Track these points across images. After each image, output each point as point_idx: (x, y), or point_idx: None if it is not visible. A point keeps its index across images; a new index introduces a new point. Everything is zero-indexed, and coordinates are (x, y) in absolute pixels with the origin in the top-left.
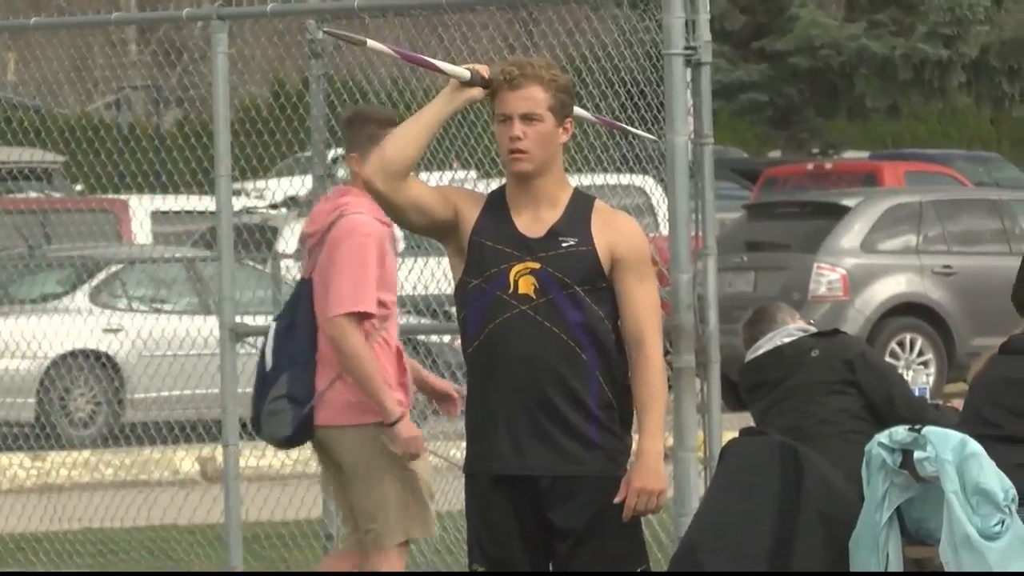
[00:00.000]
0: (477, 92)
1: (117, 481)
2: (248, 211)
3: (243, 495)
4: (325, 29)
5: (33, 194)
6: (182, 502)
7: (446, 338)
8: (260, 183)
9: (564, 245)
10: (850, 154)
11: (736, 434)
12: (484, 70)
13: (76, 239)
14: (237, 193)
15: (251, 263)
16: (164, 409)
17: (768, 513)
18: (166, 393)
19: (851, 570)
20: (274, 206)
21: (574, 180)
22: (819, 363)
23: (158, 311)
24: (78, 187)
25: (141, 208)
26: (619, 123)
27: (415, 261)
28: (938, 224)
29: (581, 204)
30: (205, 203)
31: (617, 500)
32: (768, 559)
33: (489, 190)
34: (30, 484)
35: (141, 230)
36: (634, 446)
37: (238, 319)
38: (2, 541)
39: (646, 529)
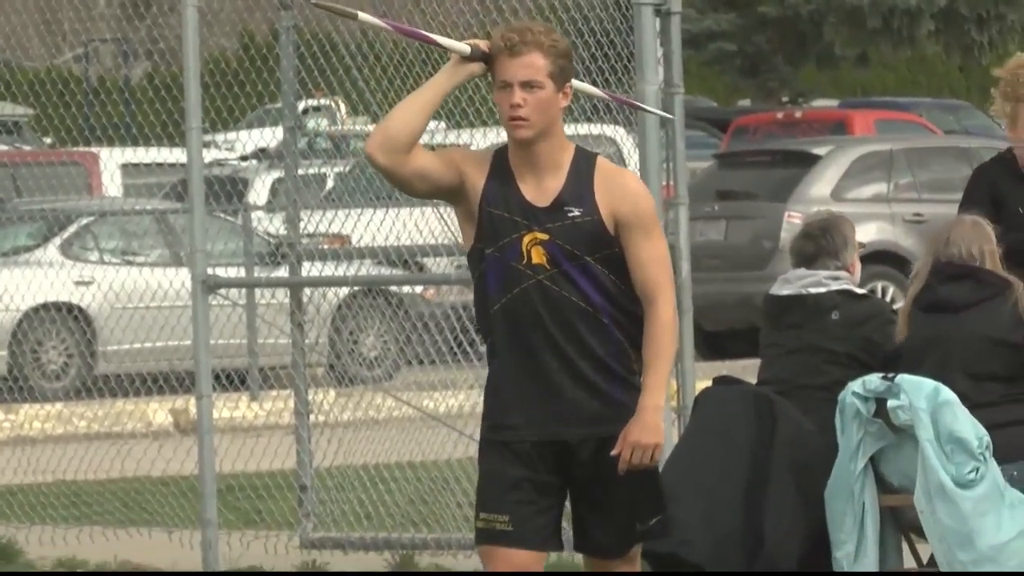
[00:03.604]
0: (477, 67)
1: (90, 433)
2: (219, 163)
3: (216, 446)
4: (315, 1)
5: (2, 147)
6: (155, 454)
7: (418, 289)
8: (230, 135)
9: (570, 216)
10: (819, 102)
11: (709, 383)
12: (484, 44)
13: (46, 192)
14: (207, 145)
15: (222, 215)
16: (136, 361)
17: (741, 462)
18: (138, 345)
19: (827, 519)
20: (244, 158)
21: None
22: (836, 327)
23: (129, 263)
24: (47, 140)
25: (111, 161)
26: (630, 99)
27: (386, 212)
28: (908, 172)
29: (584, 167)
30: (176, 155)
31: (613, 453)
32: (741, 508)
33: (491, 146)
34: (3, 437)
35: (112, 183)
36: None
37: (210, 271)
38: None
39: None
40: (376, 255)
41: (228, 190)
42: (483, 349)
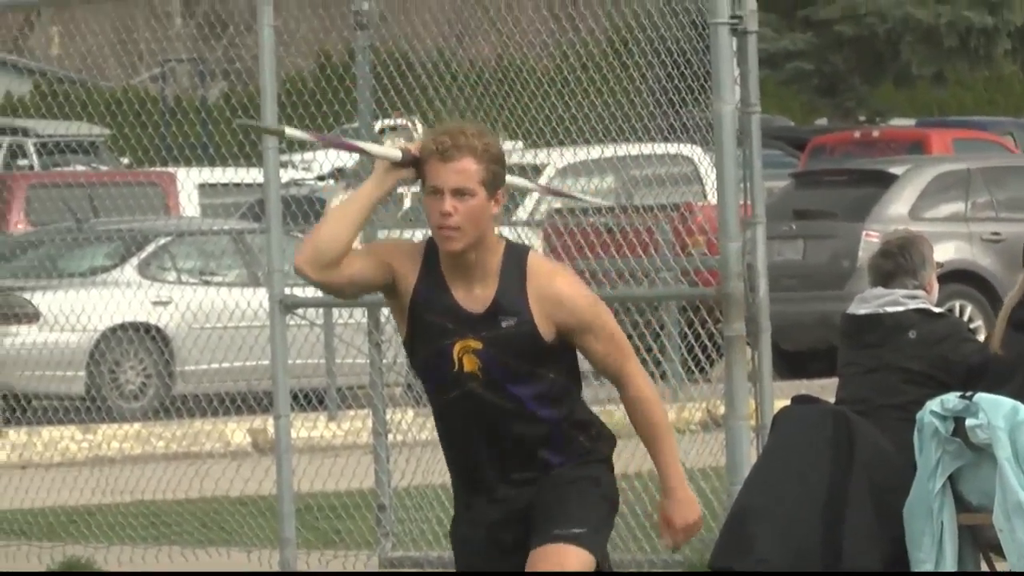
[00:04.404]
0: (408, 172)
1: (168, 453)
2: (296, 183)
3: (295, 466)
4: (238, 122)
5: (80, 167)
6: (234, 474)
7: None
8: (307, 155)
9: (504, 325)
10: (896, 122)
11: (788, 402)
12: (414, 147)
13: (123, 212)
14: (284, 165)
15: (299, 235)
16: (215, 381)
17: (820, 481)
18: (216, 365)
19: (906, 538)
20: (321, 178)
21: (622, 150)
22: (913, 347)
23: (207, 283)
24: (125, 160)
25: (189, 181)
26: (563, 191)
27: None
28: (986, 191)
29: (515, 271)
30: (253, 175)
31: (667, 546)
32: (819, 526)
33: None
34: (81, 457)
35: (189, 203)
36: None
37: (287, 291)
38: (54, 514)
39: (698, 497)
40: None
41: (305, 210)
42: None
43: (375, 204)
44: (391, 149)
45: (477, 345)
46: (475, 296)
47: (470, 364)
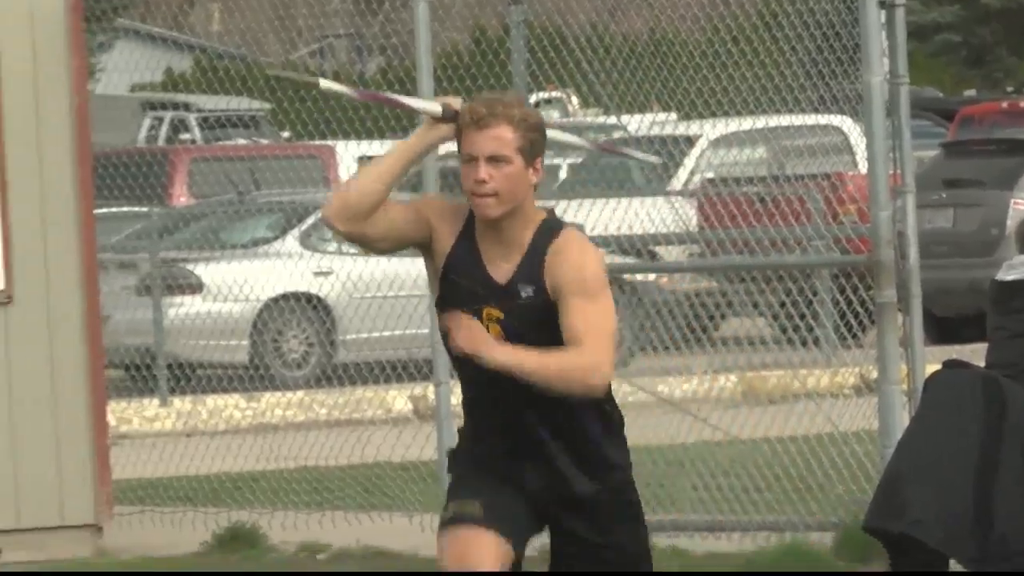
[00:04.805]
0: (450, 129)
1: (331, 420)
2: (452, 155)
3: (455, 432)
4: (272, 72)
5: (241, 141)
6: (395, 440)
7: (651, 276)
8: None
9: (523, 296)
10: None
11: (939, 367)
12: (455, 102)
13: (284, 184)
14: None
15: None
16: (375, 349)
17: (971, 445)
18: (376, 334)
19: None
20: None
21: (774, 121)
22: None
23: (367, 254)
24: (285, 134)
25: (347, 153)
26: (616, 148)
27: (619, 201)
28: None
29: (541, 244)
30: None
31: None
32: (972, 491)
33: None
34: (245, 424)
35: (348, 174)
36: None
37: None
38: (219, 480)
39: (851, 460)
40: (610, 244)
41: (462, 181)
42: (716, 335)
43: (414, 159)
44: (432, 104)
45: (499, 314)
46: (503, 266)
47: (494, 332)
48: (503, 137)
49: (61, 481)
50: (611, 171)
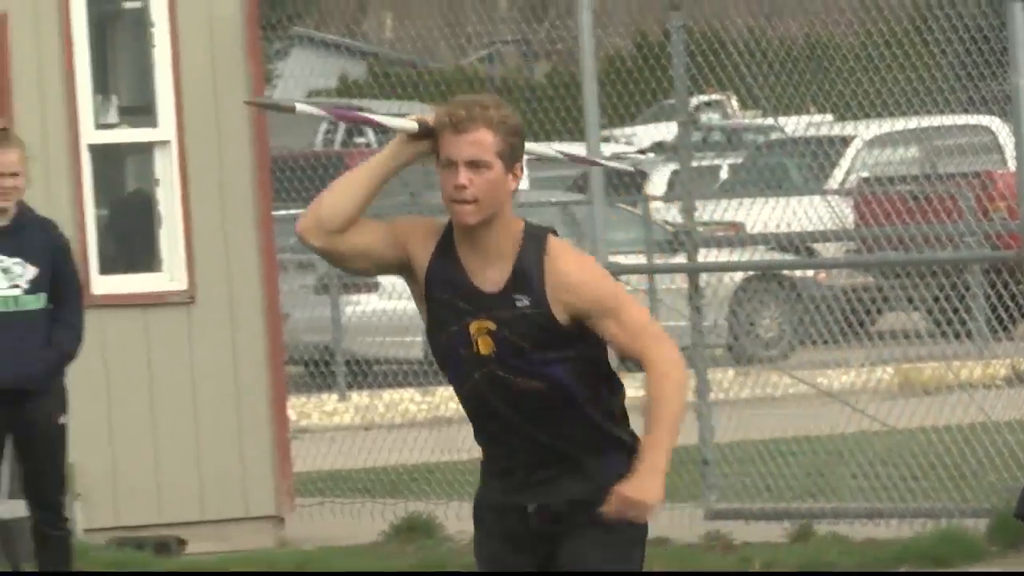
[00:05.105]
0: (426, 145)
1: None
2: (618, 156)
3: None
4: (247, 100)
5: None
6: None
7: (809, 273)
8: (628, 130)
9: (519, 305)
10: None
11: None
12: (431, 118)
13: None
14: (606, 139)
15: (622, 205)
16: None
17: None
18: None
19: None
20: (642, 151)
21: (925, 122)
22: None
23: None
24: None
25: None
26: (586, 158)
27: (778, 200)
28: None
29: (533, 251)
30: (577, 149)
31: (602, 509)
32: None
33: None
34: (421, 418)
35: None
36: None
37: (612, 258)
38: (396, 472)
39: (1003, 449)
40: (769, 241)
41: (627, 182)
42: (873, 328)
43: (387, 176)
44: (407, 121)
45: (491, 326)
46: (490, 275)
47: (485, 346)
48: (482, 141)
49: (244, 474)
50: (769, 171)
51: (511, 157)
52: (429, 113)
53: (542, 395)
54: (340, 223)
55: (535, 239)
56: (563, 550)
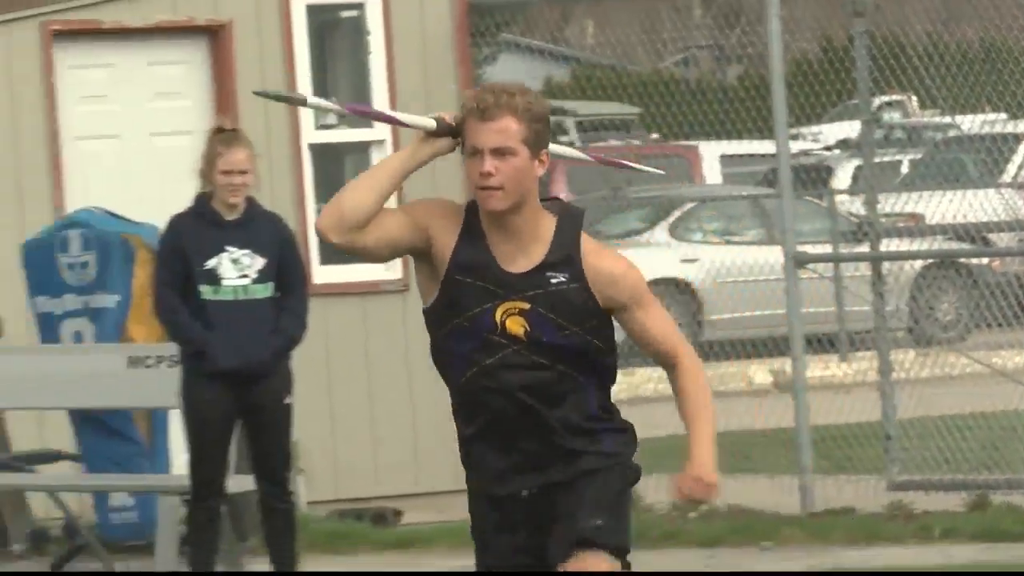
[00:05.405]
0: (445, 143)
1: None
2: (805, 153)
3: (810, 402)
4: (255, 91)
5: (614, 142)
6: (757, 410)
7: (984, 260)
8: (815, 128)
9: (554, 282)
10: None
11: None
12: (450, 116)
13: (654, 181)
14: (795, 137)
15: (810, 198)
16: (738, 328)
17: None
18: (739, 314)
19: None
20: (828, 148)
21: (1020, 127)
22: None
23: (729, 242)
24: (654, 136)
25: (710, 153)
26: (614, 160)
27: (955, 193)
28: None
29: (568, 233)
30: (767, 147)
31: (674, 488)
32: None
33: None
34: (623, 397)
35: (711, 172)
36: None
37: (800, 248)
38: None
39: None
40: (947, 231)
41: (814, 177)
42: None
43: (406, 174)
44: (425, 118)
45: (524, 306)
46: (524, 253)
47: (514, 326)
48: (508, 129)
49: (455, 448)
50: (947, 166)
51: (537, 144)
52: (445, 112)
53: (550, 381)
54: (362, 220)
55: (570, 225)
56: (558, 506)
